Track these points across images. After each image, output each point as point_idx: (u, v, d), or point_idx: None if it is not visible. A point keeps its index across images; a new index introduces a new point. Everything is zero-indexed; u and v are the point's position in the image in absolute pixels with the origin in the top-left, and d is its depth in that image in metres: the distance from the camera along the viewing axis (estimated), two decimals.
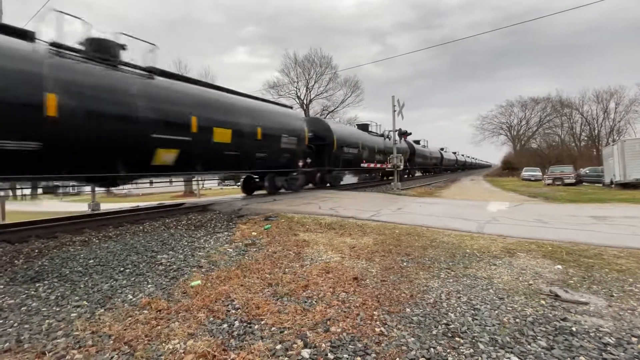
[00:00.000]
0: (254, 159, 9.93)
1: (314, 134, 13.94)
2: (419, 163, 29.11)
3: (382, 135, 20.95)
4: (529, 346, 2.07)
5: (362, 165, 17.61)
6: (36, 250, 4.60)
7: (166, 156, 7.42)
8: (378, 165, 19.54)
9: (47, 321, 2.54)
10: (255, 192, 11.91)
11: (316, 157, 14.32)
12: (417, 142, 30.10)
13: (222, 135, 8.63)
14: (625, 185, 16.28)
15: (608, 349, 2.03)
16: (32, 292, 3.14)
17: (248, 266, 3.76)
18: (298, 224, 6.14)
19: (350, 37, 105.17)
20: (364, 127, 20.05)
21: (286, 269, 3.66)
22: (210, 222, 6.79)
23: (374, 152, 18.78)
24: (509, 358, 1.95)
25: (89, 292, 3.15)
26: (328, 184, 15.06)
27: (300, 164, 12.34)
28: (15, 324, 2.49)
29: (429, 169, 36.33)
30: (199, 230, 6.02)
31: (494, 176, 42.67)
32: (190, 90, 8.26)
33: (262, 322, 2.42)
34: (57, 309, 2.77)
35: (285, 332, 2.27)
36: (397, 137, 16.75)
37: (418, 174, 32.79)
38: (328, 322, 2.40)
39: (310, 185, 14.69)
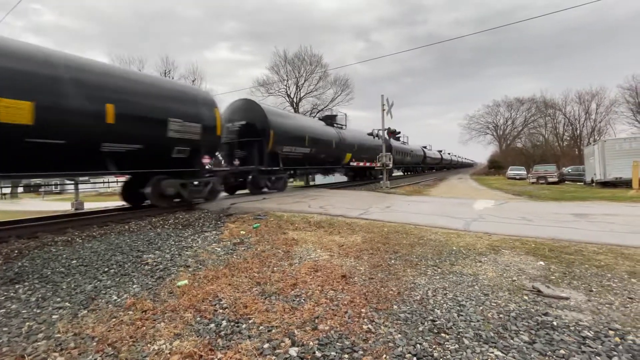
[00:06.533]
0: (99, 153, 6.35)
1: (245, 123, 11.39)
2: (398, 161, 26.99)
3: (375, 133, 19.91)
4: (511, 341, 2.12)
5: (324, 164, 14.89)
6: (16, 251, 4.46)
7: None
8: (359, 164, 17.72)
9: (27, 323, 2.46)
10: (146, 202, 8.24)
11: (247, 153, 11.33)
12: (397, 138, 28.00)
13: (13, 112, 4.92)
14: (605, 184, 16.83)
15: (587, 342, 2.10)
16: (12, 294, 3.04)
17: (236, 265, 3.73)
18: (287, 223, 6.12)
19: (334, 33, 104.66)
20: (328, 118, 17.09)
21: (275, 268, 3.65)
22: (198, 220, 6.70)
23: (331, 147, 15.50)
24: (492, 353, 1.99)
25: (72, 293, 3.07)
26: (265, 189, 11.72)
27: (206, 161, 8.89)
28: None
29: (410, 168, 34.70)
30: (187, 229, 5.94)
31: (481, 175, 43.45)
32: None
33: (250, 321, 2.41)
34: (38, 311, 2.69)
35: (273, 330, 2.27)
36: (380, 134, 16.13)
37: (398, 173, 31.14)
38: (316, 320, 2.40)
39: (247, 190, 11.69)
